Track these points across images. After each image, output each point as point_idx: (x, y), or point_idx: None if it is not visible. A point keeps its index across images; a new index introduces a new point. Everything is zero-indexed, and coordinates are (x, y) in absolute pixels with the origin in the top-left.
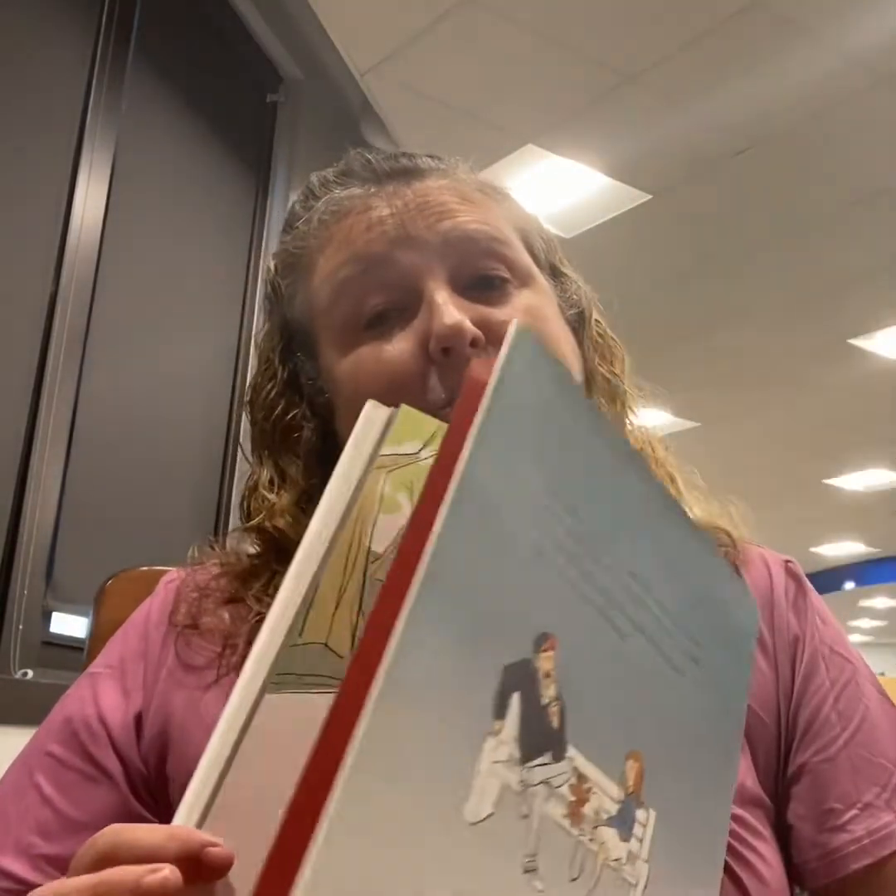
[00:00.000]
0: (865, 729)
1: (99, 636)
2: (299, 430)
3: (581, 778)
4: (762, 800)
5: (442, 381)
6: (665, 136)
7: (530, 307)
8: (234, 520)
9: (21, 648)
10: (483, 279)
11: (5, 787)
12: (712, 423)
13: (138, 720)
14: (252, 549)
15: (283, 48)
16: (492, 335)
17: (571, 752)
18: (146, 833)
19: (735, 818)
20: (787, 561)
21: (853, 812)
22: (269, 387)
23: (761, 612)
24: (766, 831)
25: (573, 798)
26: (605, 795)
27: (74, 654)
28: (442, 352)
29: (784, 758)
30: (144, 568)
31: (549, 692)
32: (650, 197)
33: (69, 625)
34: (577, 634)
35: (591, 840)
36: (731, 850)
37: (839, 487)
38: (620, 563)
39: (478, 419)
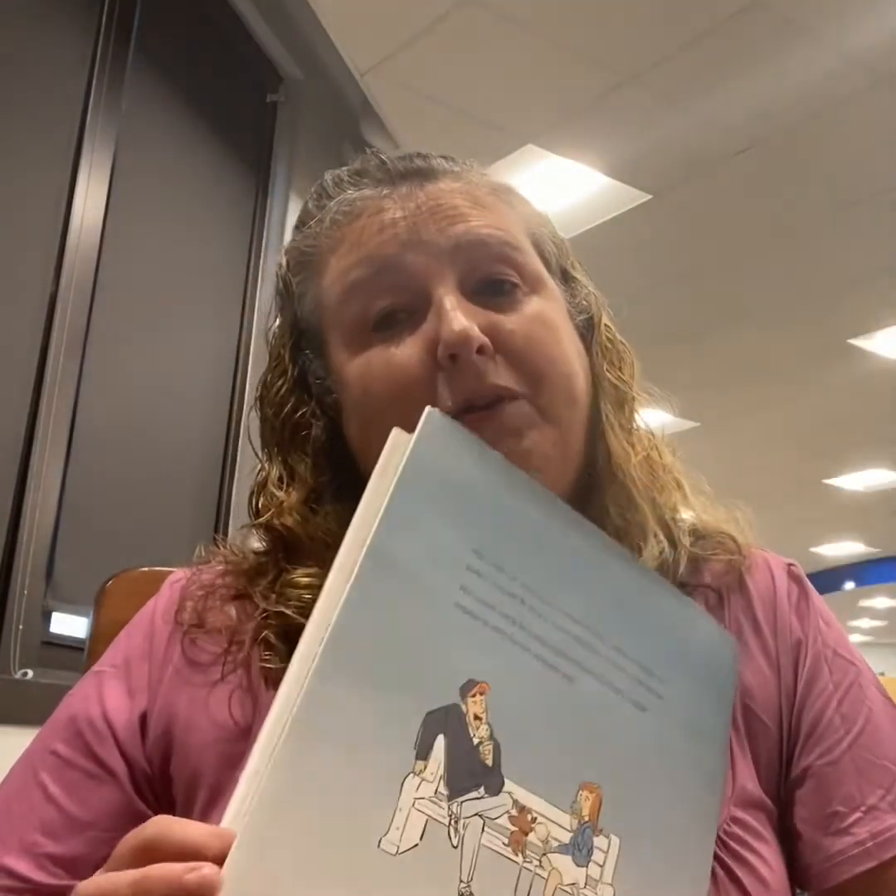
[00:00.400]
0: (869, 731)
1: (99, 636)
2: (308, 428)
3: (523, 810)
4: (764, 802)
5: (450, 387)
6: (665, 136)
7: (538, 314)
8: (235, 520)
9: (21, 648)
10: (492, 284)
11: (10, 785)
12: (712, 423)
13: (143, 720)
14: (259, 546)
15: (283, 48)
16: (499, 343)
17: (510, 786)
18: (191, 829)
19: (736, 820)
20: (790, 564)
21: (857, 815)
22: (279, 383)
23: (764, 615)
24: (768, 833)
25: (514, 828)
26: (555, 824)
27: (74, 654)
28: (449, 358)
29: (787, 761)
30: (145, 568)
31: (479, 733)
32: (650, 197)
33: (69, 625)
34: (514, 680)
35: (539, 866)
36: (732, 852)
37: (839, 487)
38: (561, 611)
39: (388, 494)
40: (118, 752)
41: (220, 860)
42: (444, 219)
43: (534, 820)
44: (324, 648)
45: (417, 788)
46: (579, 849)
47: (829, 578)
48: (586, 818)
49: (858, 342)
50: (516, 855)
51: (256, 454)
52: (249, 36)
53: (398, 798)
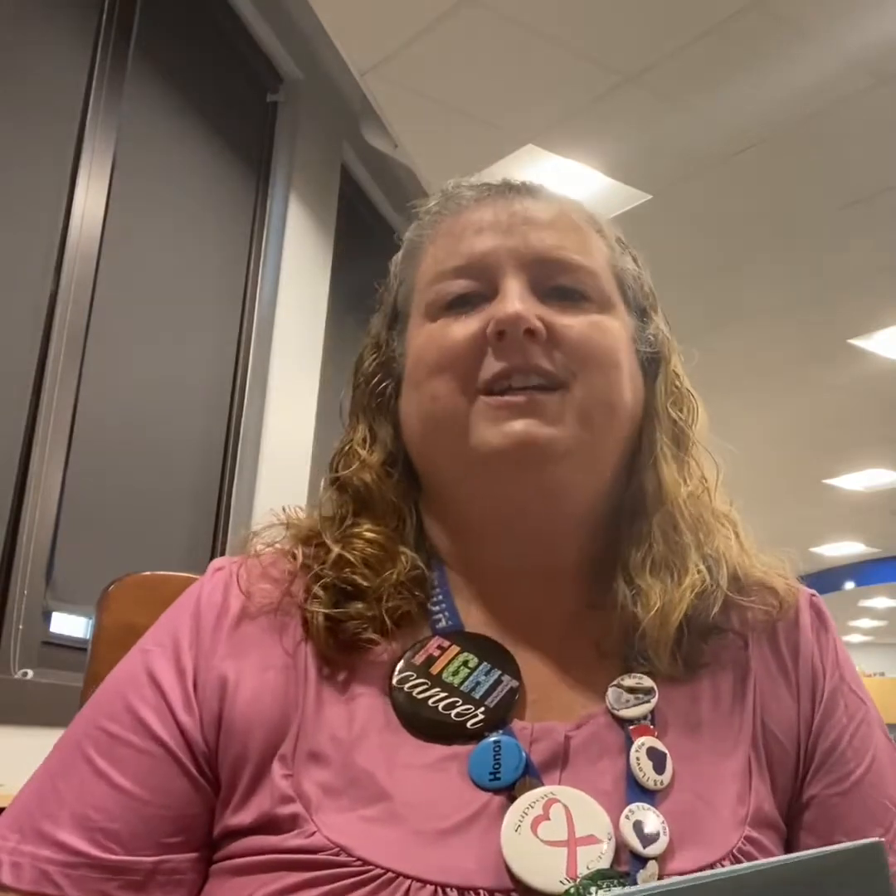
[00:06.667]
0: (875, 769)
1: (102, 640)
2: (392, 399)
3: None
4: (777, 823)
5: (495, 359)
6: (665, 136)
7: (599, 322)
8: (235, 519)
9: (21, 648)
10: (563, 291)
11: (53, 764)
12: (711, 423)
13: (196, 697)
14: (327, 511)
15: (283, 48)
16: (552, 334)
17: None
18: None
19: (751, 840)
20: (812, 595)
21: None
22: (372, 358)
23: (787, 642)
24: (779, 853)
25: None
26: None
27: (74, 654)
28: (496, 335)
29: (799, 785)
30: (147, 572)
31: None
32: (650, 197)
33: (69, 625)
34: None
35: None
36: None
37: (839, 487)
38: None
39: None
40: (178, 730)
41: None
42: (534, 229)
43: None
44: None
45: None
46: None
47: (829, 578)
48: None
49: (858, 342)
50: None
51: (342, 420)
52: (249, 36)
53: None
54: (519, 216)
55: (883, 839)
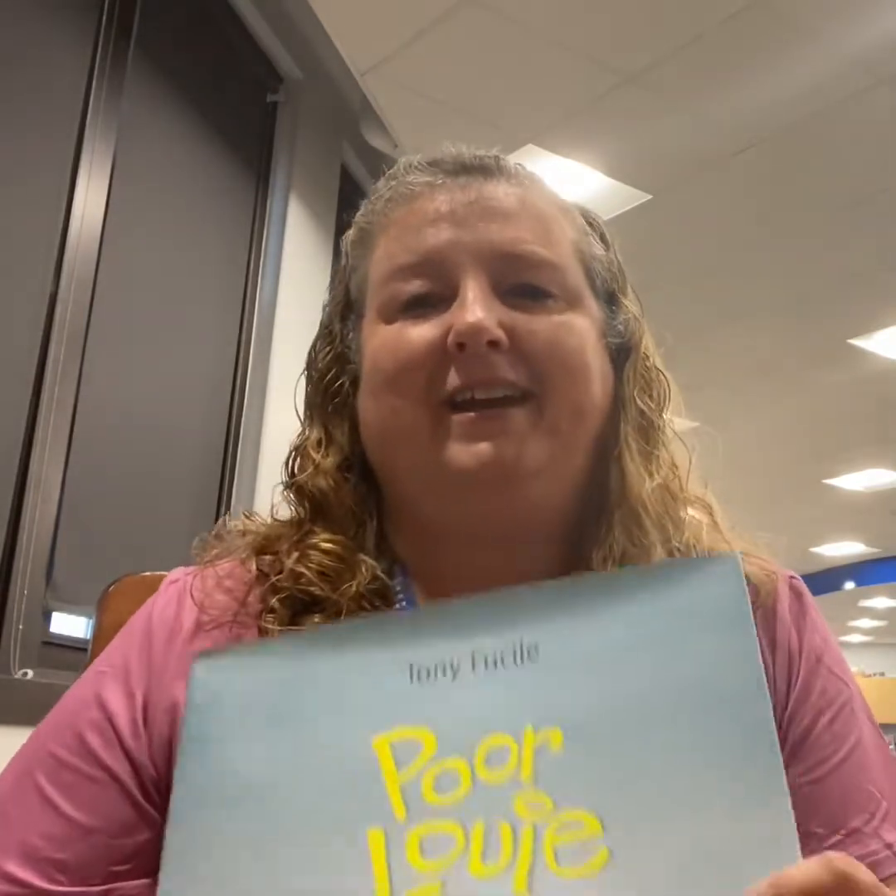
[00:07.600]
0: (857, 755)
1: (102, 640)
2: (348, 396)
3: None
4: None
5: (457, 372)
6: (665, 136)
7: (565, 323)
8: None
9: (21, 648)
10: (526, 290)
11: (4, 788)
12: (711, 423)
13: (145, 721)
14: (285, 515)
15: (283, 48)
16: (517, 341)
17: None
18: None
19: None
20: (791, 577)
21: (836, 838)
22: (326, 350)
23: (764, 631)
24: None
25: None
26: None
27: (74, 654)
28: (457, 346)
29: None
30: (147, 573)
31: None
32: (650, 197)
33: (69, 625)
34: None
35: None
36: None
37: (839, 487)
38: None
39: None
40: (124, 755)
41: None
42: (492, 221)
43: None
44: None
45: None
46: None
47: (829, 578)
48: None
49: (858, 342)
50: None
51: (299, 417)
52: (249, 36)
53: None
54: (476, 205)
55: (740, 553)
